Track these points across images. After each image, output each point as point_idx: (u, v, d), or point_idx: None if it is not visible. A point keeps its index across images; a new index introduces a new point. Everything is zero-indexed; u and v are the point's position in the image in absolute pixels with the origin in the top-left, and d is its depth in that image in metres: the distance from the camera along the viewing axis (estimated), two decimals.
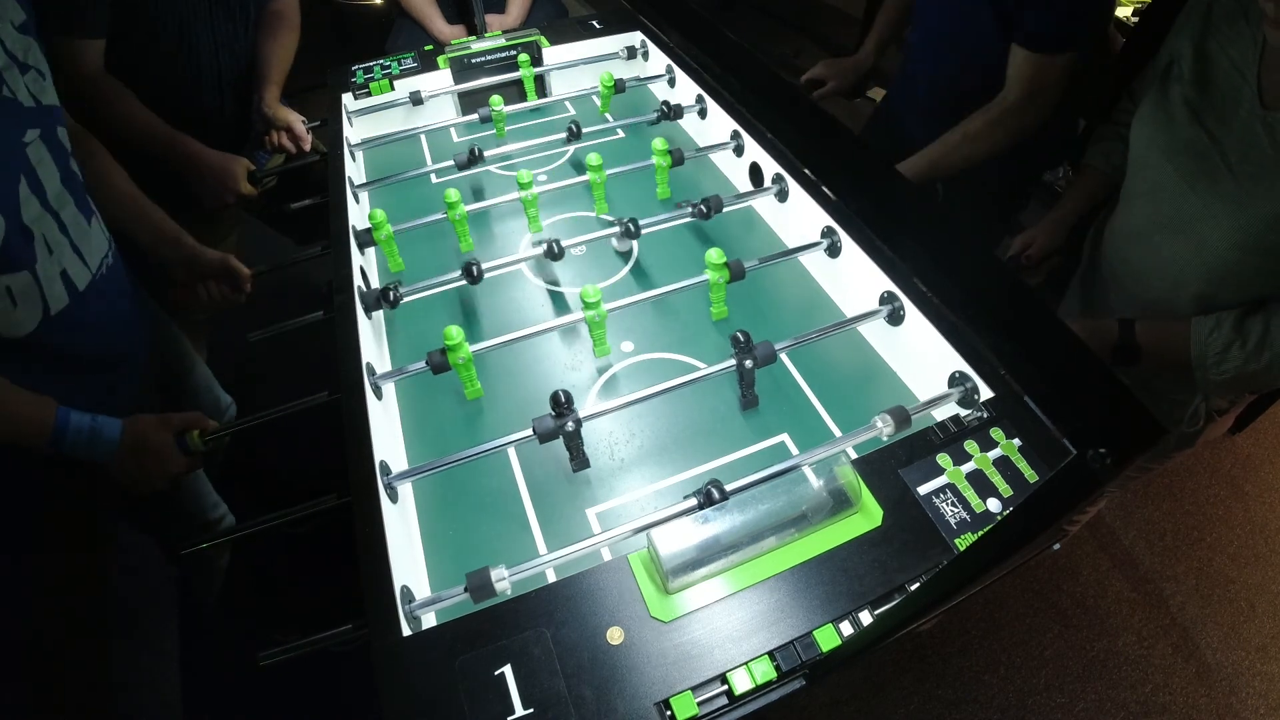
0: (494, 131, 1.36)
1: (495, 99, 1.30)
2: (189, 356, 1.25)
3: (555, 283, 1.07)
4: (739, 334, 0.81)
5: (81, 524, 1.20)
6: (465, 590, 0.62)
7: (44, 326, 0.82)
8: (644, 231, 1.04)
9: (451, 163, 1.25)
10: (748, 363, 0.81)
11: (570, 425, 0.76)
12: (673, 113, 1.29)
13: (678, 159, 1.09)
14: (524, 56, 1.39)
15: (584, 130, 1.30)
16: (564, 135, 1.30)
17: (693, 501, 0.66)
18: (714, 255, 0.91)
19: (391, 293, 0.94)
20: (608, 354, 0.94)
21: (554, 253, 1.00)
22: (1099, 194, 1.12)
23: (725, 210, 1.12)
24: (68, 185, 0.83)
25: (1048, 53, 1.07)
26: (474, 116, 1.36)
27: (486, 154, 1.23)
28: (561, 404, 0.75)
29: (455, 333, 0.83)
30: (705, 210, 0.96)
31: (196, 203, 1.32)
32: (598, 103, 1.46)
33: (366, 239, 1.01)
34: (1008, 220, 1.33)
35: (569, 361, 0.95)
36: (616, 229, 1.02)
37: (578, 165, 1.30)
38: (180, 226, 1.10)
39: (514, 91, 1.42)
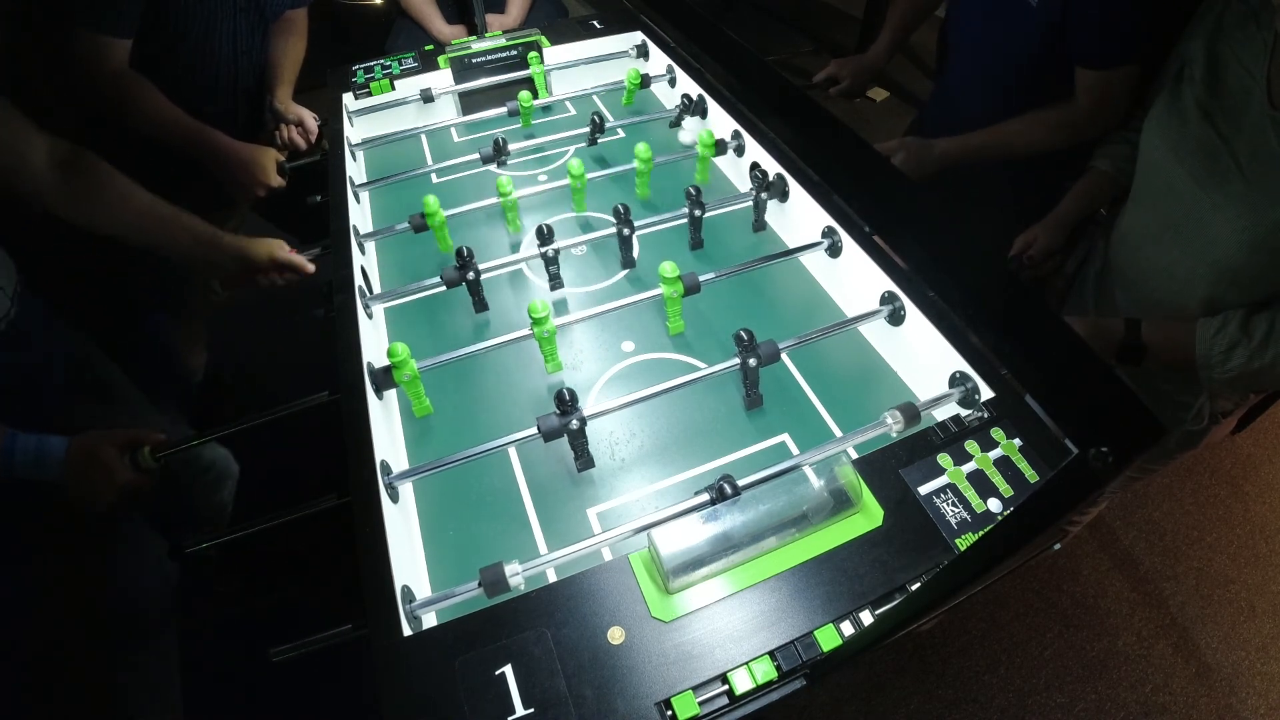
0: (497, 130, 1.36)
1: (524, 95, 1.31)
2: (122, 400, 1.20)
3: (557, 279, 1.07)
4: (742, 333, 0.81)
5: (81, 524, 1.19)
6: (479, 585, 0.62)
7: None
8: (641, 232, 1.04)
9: (452, 162, 1.25)
10: (751, 361, 0.81)
11: (575, 424, 0.76)
12: (694, 107, 1.28)
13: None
14: (534, 55, 1.39)
15: (581, 130, 1.30)
16: (568, 134, 1.30)
17: (705, 497, 0.67)
18: (667, 269, 0.89)
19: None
20: (559, 370, 0.93)
21: (545, 234, 1.00)
22: (1103, 196, 1.12)
23: (725, 210, 1.13)
24: None
25: (1111, 68, 1.06)
26: (475, 116, 1.36)
27: (539, 141, 1.24)
28: (566, 402, 0.75)
29: (400, 349, 0.80)
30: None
31: (224, 199, 1.32)
32: (599, 103, 1.46)
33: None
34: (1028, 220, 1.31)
35: (570, 361, 0.95)
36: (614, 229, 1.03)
37: (599, 160, 1.30)
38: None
39: (515, 91, 1.42)
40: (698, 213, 1.06)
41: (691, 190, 1.05)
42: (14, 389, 0.94)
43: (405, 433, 0.89)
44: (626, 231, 1.03)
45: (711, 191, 1.21)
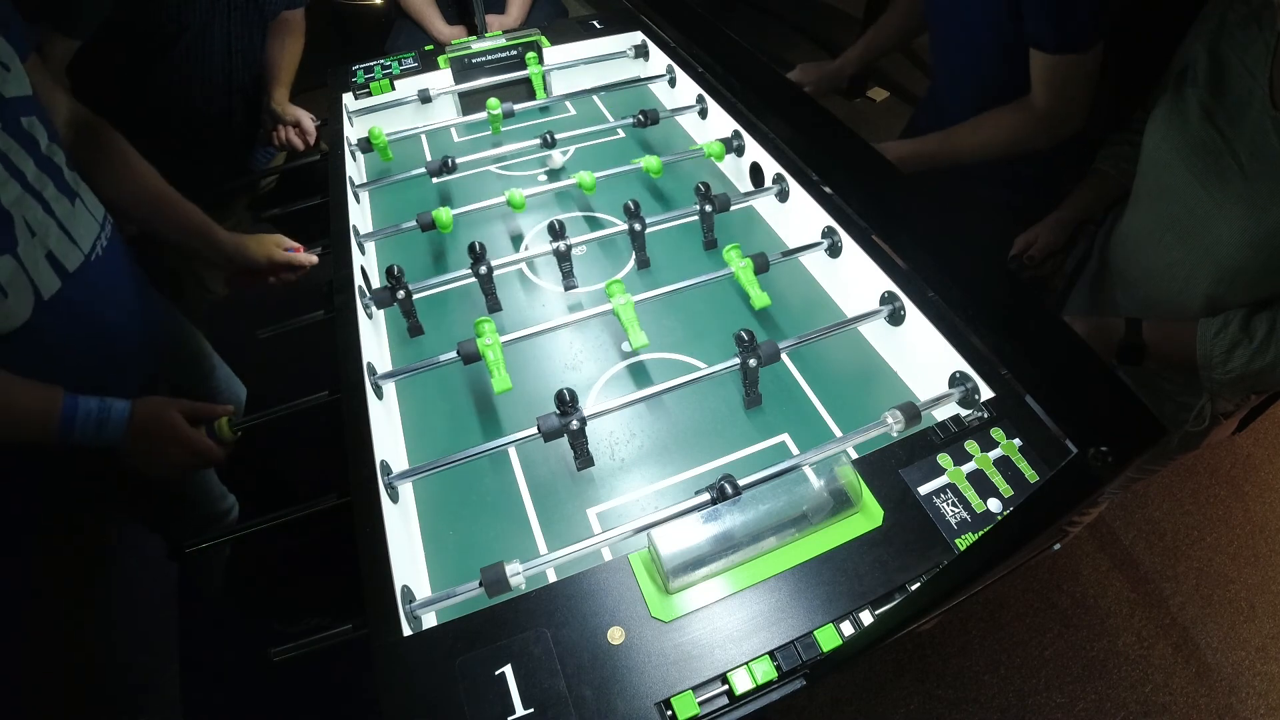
0: (491, 131, 1.37)
1: (492, 101, 1.30)
2: (210, 358, 1.23)
3: (556, 282, 1.07)
4: (743, 333, 0.81)
5: (82, 523, 1.20)
6: (479, 585, 0.62)
7: (39, 314, 0.80)
8: (647, 231, 1.04)
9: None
10: (751, 361, 0.81)
11: (575, 424, 0.76)
12: (648, 119, 1.28)
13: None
14: (531, 55, 1.39)
15: (581, 130, 1.31)
16: (568, 134, 1.30)
17: (705, 496, 0.67)
18: (734, 255, 0.92)
19: (400, 291, 0.94)
20: (646, 345, 0.90)
21: (557, 231, 1.00)
22: (1106, 198, 1.12)
23: (726, 210, 1.13)
24: (44, 169, 0.82)
25: (1066, 52, 1.01)
26: (475, 116, 1.36)
27: (487, 154, 1.23)
28: (566, 402, 0.76)
29: (487, 324, 0.85)
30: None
31: (216, 196, 1.32)
32: (598, 103, 1.46)
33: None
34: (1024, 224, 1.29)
35: (568, 361, 0.96)
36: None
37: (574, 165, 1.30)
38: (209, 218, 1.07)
39: (515, 91, 1.42)
40: (708, 208, 1.05)
41: (701, 186, 1.05)
42: (111, 310, 0.92)
43: (405, 433, 0.89)
44: (639, 227, 1.02)
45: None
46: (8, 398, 0.77)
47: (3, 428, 0.77)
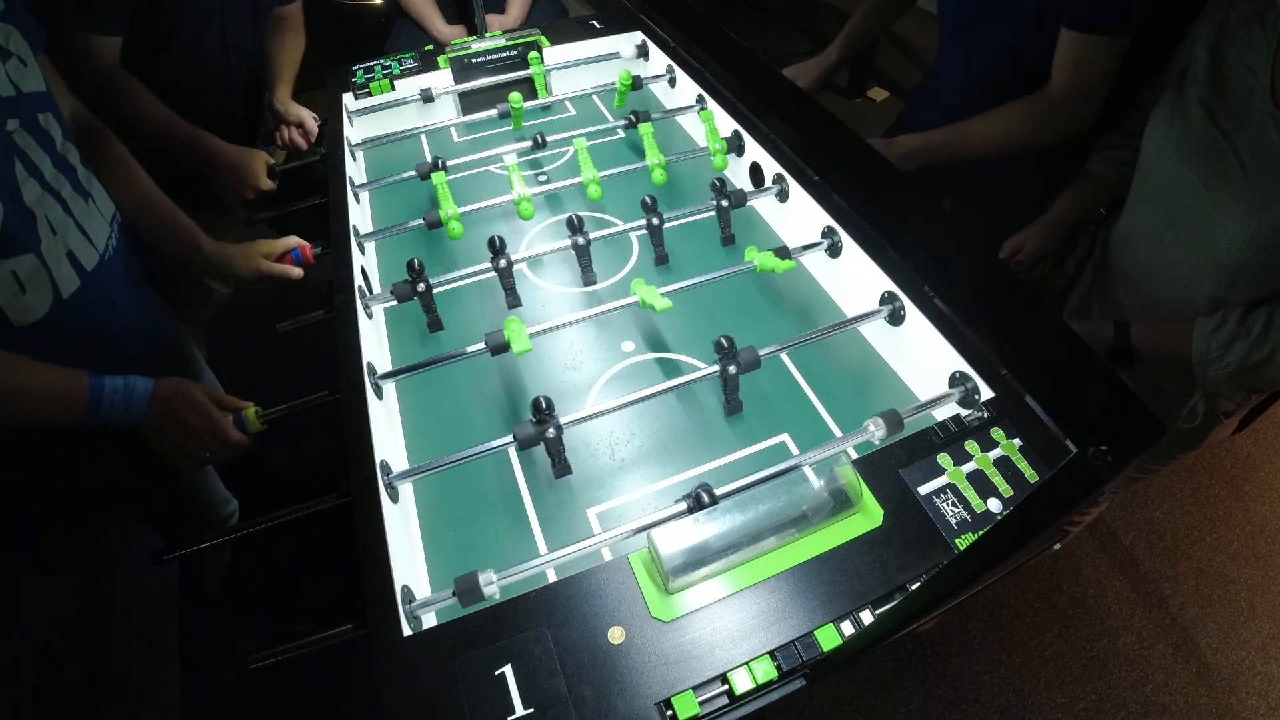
0: (497, 130, 1.37)
1: (514, 95, 1.31)
2: (196, 361, 1.24)
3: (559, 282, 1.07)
4: (722, 339, 0.81)
5: (82, 524, 1.20)
6: (453, 595, 0.62)
7: (56, 310, 0.81)
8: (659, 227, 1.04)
9: (452, 162, 1.25)
10: (731, 368, 0.81)
11: (551, 432, 0.75)
12: (638, 118, 1.28)
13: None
14: (534, 55, 1.39)
15: (582, 129, 1.30)
16: (569, 134, 1.29)
17: (683, 505, 0.67)
18: (754, 251, 0.94)
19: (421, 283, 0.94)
20: (670, 306, 0.90)
21: (576, 227, 1.01)
22: (1099, 200, 1.12)
23: (743, 205, 1.12)
24: (59, 167, 0.83)
25: (1098, 34, 0.99)
26: (474, 116, 1.36)
27: (491, 153, 1.24)
28: (542, 410, 0.75)
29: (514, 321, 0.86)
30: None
31: (213, 198, 1.32)
32: (598, 103, 1.46)
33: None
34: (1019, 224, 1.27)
35: (569, 361, 0.95)
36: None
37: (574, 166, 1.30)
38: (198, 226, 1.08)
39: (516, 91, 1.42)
40: (725, 204, 1.05)
41: (716, 182, 1.05)
42: (123, 308, 0.93)
43: (405, 432, 0.89)
44: (656, 222, 1.02)
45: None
46: (35, 382, 0.79)
47: (32, 412, 0.79)
